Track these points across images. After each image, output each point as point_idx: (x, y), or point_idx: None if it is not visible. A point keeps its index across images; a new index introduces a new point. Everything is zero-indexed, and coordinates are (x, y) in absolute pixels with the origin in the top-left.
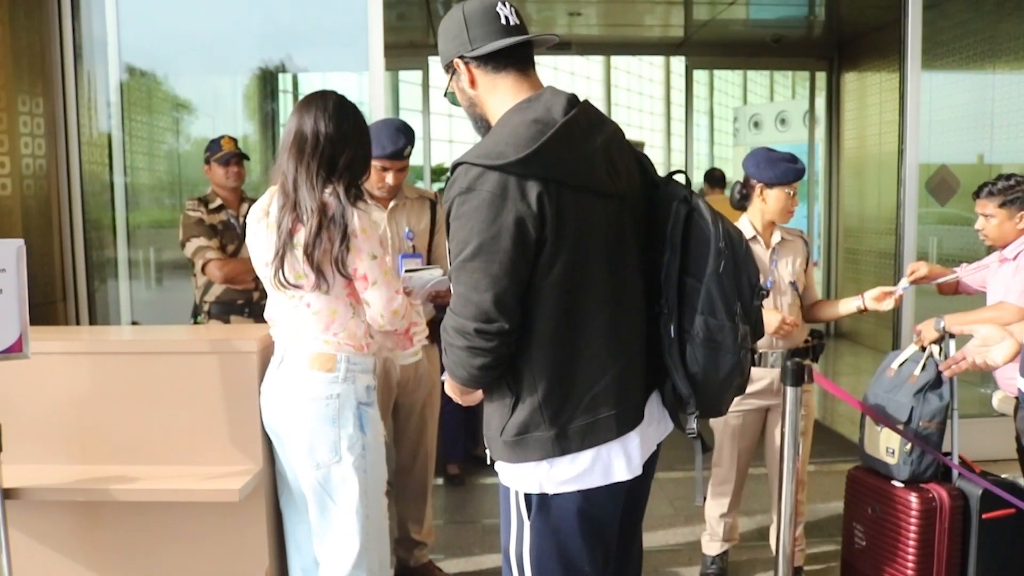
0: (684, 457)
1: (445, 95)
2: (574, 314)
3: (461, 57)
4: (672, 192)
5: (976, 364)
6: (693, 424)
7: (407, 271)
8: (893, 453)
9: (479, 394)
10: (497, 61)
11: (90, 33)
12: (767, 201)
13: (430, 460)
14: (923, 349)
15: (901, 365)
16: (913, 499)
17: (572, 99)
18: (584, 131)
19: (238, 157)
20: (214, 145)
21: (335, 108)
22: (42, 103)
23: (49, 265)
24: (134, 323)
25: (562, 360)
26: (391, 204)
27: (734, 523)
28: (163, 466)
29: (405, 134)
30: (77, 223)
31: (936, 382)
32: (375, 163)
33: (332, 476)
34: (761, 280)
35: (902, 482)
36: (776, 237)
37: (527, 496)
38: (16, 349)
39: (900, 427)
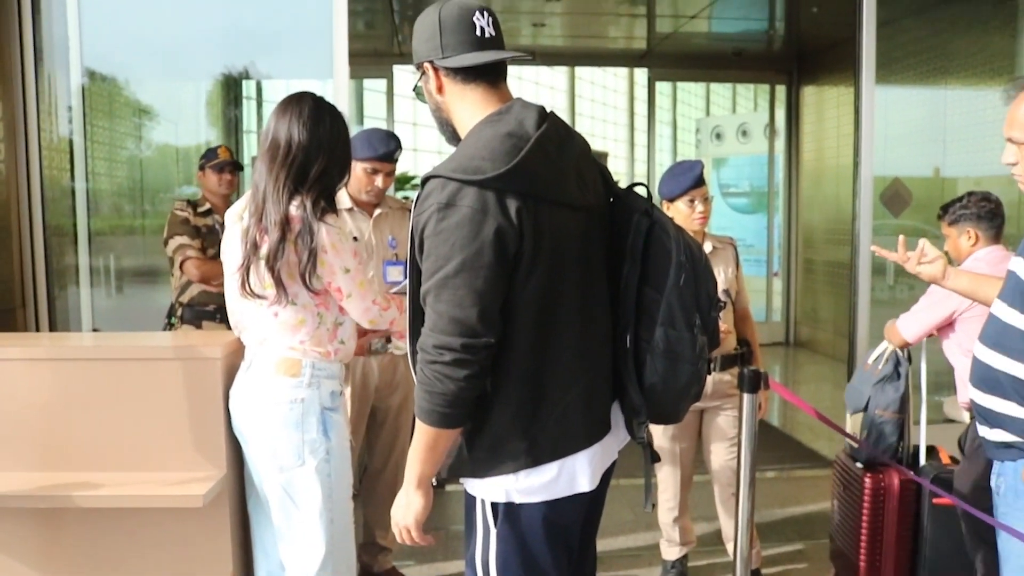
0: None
1: (414, 90)
2: (548, 326)
3: (431, 62)
4: (633, 204)
5: (903, 258)
6: (643, 433)
7: (394, 289)
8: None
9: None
10: (467, 73)
11: (51, 36)
12: (675, 215)
13: (401, 465)
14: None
15: (875, 360)
16: (867, 481)
17: (542, 112)
18: (556, 145)
19: (232, 166)
20: (211, 153)
21: (311, 113)
22: (1, 107)
23: (8, 271)
24: (95, 330)
25: (535, 371)
26: (376, 212)
27: (687, 526)
28: (127, 472)
29: (395, 138)
30: (37, 229)
31: (894, 375)
32: (365, 165)
33: (295, 480)
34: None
35: (862, 464)
36: (707, 247)
37: (493, 505)
38: None
39: (855, 413)
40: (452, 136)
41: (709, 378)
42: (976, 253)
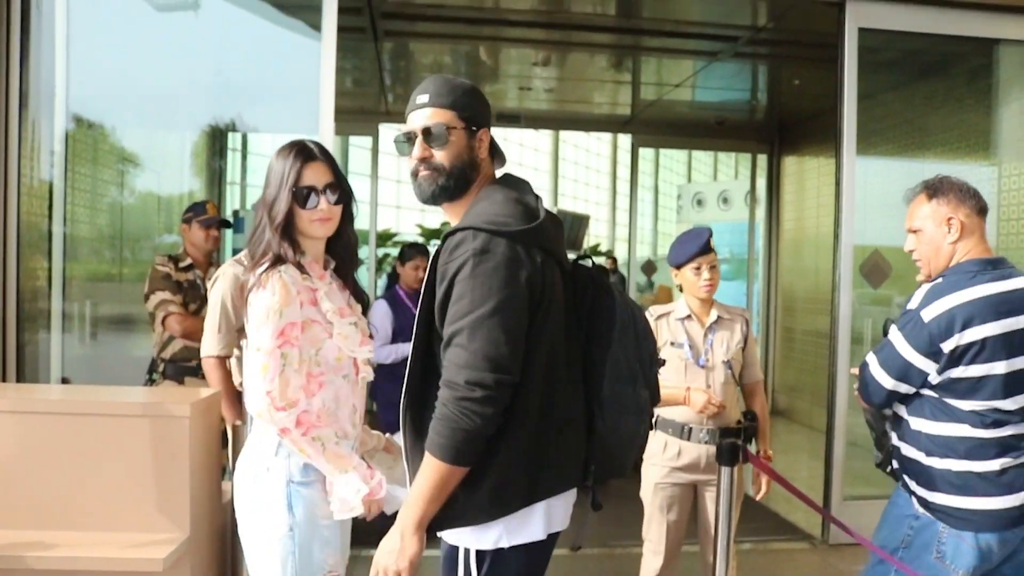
0: (619, 533)
1: (427, 139)
2: (553, 369)
3: (486, 127)
4: (579, 270)
5: None
6: (588, 480)
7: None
8: None
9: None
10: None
11: (38, 81)
12: (682, 282)
13: None
14: None
15: None
16: None
17: (528, 185)
18: (550, 215)
19: (220, 223)
20: (199, 207)
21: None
22: None
23: None
24: (64, 379)
25: (543, 411)
26: None
27: None
28: (86, 532)
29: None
30: (11, 273)
31: None
32: None
33: (255, 552)
34: (659, 351)
35: None
36: (713, 316)
37: (479, 553)
38: None
39: None
40: (456, 189)
41: (703, 450)
42: None
